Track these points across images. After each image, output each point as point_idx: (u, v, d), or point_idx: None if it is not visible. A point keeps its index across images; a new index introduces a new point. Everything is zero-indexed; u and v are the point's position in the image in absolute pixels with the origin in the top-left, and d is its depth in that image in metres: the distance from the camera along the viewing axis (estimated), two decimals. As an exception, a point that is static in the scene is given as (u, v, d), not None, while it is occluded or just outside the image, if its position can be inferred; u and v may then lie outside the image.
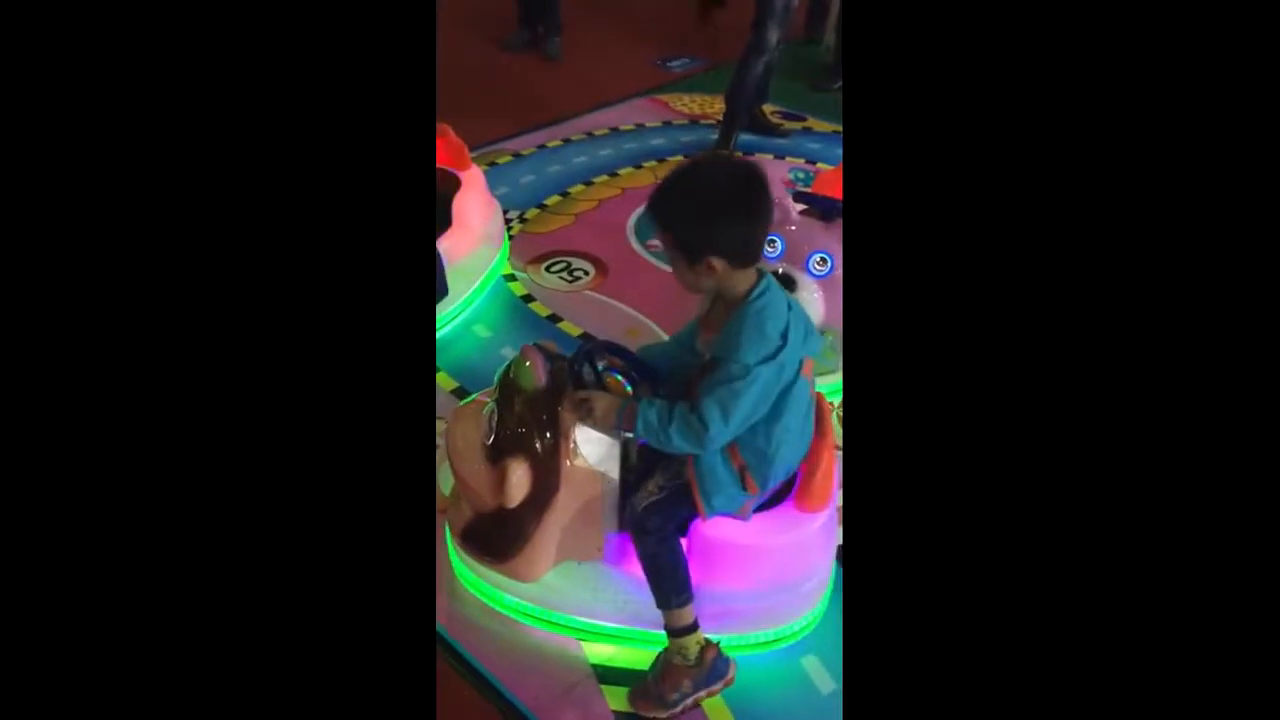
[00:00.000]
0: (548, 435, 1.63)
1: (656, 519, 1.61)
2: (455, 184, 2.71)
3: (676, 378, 1.67)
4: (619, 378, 1.72)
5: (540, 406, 1.63)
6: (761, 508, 1.69)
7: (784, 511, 1.70)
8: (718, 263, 1.47)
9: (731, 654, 1.67)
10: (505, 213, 3.05)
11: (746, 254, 1.49)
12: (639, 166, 3.59)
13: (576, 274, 2.88)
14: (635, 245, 3.06)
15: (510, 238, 3.00)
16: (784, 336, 1.49)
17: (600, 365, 1.71)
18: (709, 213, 1.47)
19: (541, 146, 3.70)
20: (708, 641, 1.65)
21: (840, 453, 1.93)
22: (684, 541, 1.65)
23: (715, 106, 3.98)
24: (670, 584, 1.62)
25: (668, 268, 2.96)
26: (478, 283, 2.70)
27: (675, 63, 4.59)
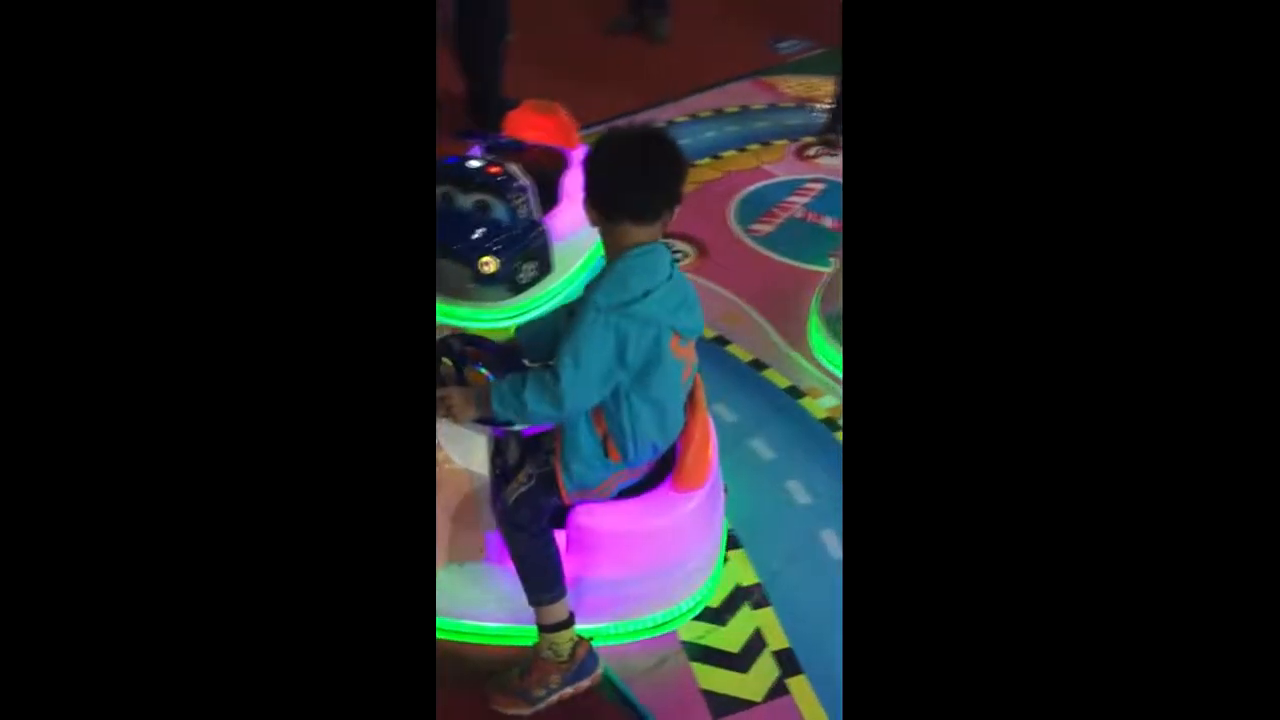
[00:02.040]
0: None
1: (526, 511, 1.58)
2: (563, 163, 2.75)
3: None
4: (482, 370, 1.67)
5: None
6: (636, 491, 1.65)
7: (659, 494, 1.65)
8: (590, 213, 1.52)
9: (619, 640, 1.65)
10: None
11: (621, 210, 1.49)
12: (742, 149, 3.53)
13: (676, 255, 2.85)
14: (736, 229, 3.04)
15: (613, 217, 3.03)
16: (646, 294, 1.46)
17: (462, 358, 1.67)
18: (595, 169, 1.52)
19: (646, 127, 3.72)
20: (579, 638, 1.63)
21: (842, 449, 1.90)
22: (560, 535, 1.62)
23: (824, 89, 3.91)
24: (541, 580, 1.59)
25: (769, 252, 2.99)
26: (580, 260, 2.74)
27: (786, 44, 4.53)
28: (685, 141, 3.63)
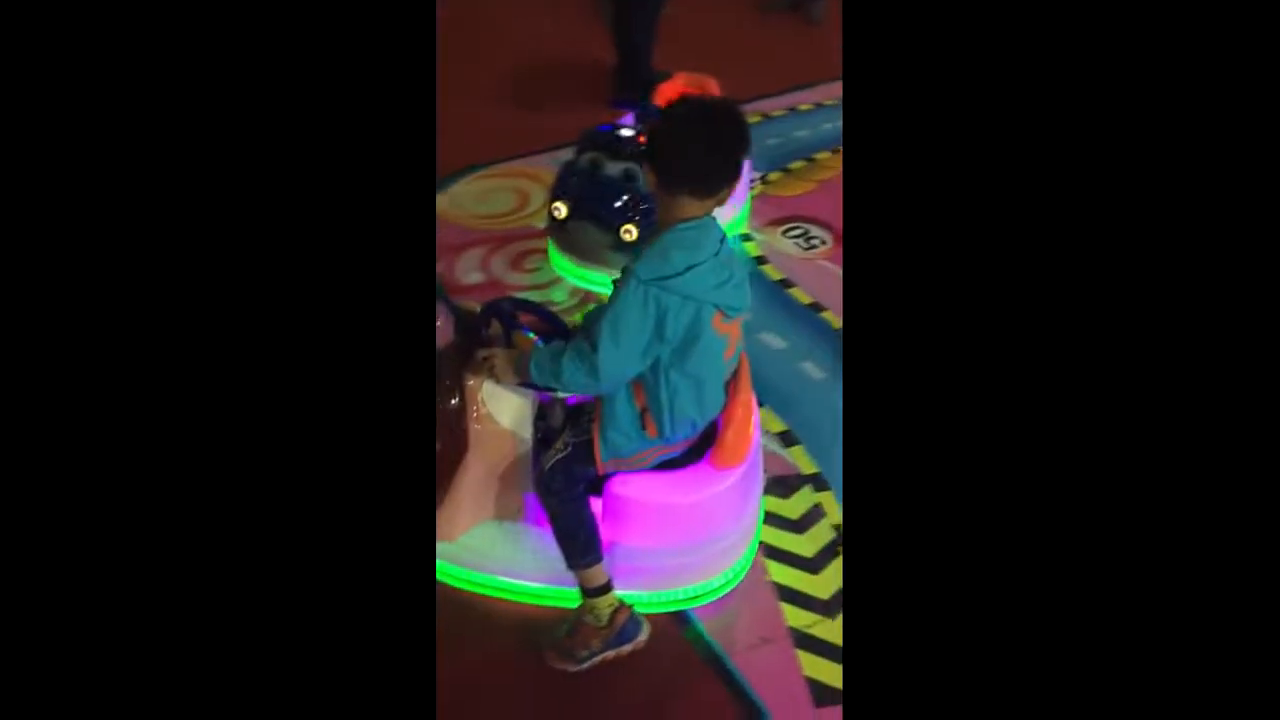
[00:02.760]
0: (451, 396, 1.63)
1: (560, 478, 1.60)
2: (735, 139, 2.74)
3: None
4: (531, 335, 1.69)
5: (444, 366, 1.63)
6: (676, 465, 1.65)
7: (697, 470, 1.66)
8: (650, 177, 1.49)
9: (649, 610, 1.65)
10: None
11: (680, 180, 1.47)
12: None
13: (813, 241, 2.86)
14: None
15: (751, 198, 3.03)
16: (688, 269, 1.45)
17: (512, 322, 1.68)
18: (663, 135, 1.50)
19: (792, 109, 3.67)
20: (620, 604, 1.63)
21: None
22: (597, 502, 1.64)
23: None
24: (576, 545, 1.61)
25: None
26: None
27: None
28: (829, 126, 3.58)
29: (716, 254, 1.51)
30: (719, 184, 1.49)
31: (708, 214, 1.52)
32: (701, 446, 1.69)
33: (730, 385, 1.68)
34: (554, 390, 1.61)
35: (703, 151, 1.47)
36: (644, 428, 1.59)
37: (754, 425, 1.74)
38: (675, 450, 1.65)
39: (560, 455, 1.62)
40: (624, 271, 1.51)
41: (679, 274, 1.46)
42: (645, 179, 1.53)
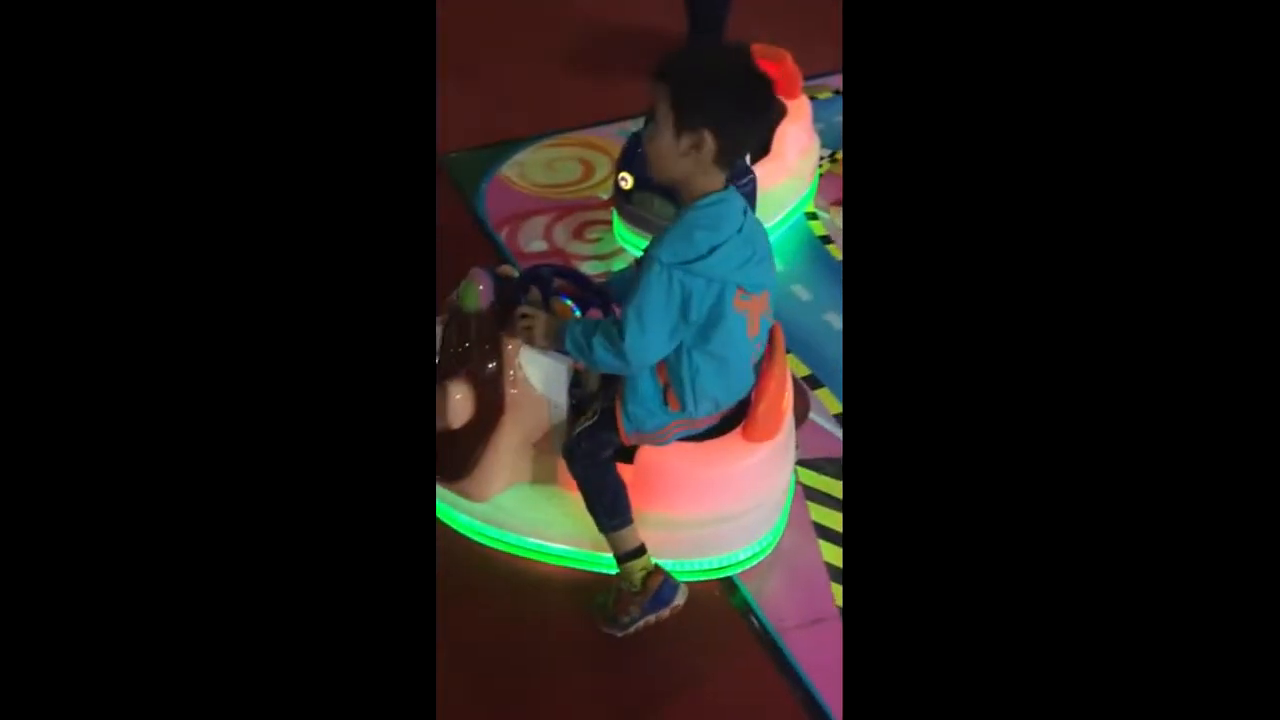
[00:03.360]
0: (490, 359, 1.63)
1: (587, 444, 1.62)
2: (781, 111, 2.69)
3: None
4: (568, 302, 1.70)
5: (484, 330, 1.64)
6: (707, 436, 1.65)
7: (728, 442, 1.66)
8: (710, 137, 1.40)
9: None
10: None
11: (733, 144, 1.43)
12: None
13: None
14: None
15: (819, 175, 2.96)
16: (712, 251, 1.42)
17: (550, 289, 1.69)
18: (718, 79, 1.41)
19: (868, 86, 3.59)
20: (654, 568, 1.63)
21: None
22: (629, 470, 1.65)
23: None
24: (601, 507, 1.62)
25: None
26: (781, 215, 2.70)
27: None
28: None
29: (740, 230, 1.48)
30: (749, 147, 1.47)
31: (725, 185, 1.49)
32: (735, 417, 1.68)
33: (765, 357, 1.67)
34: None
35: (734, 112, 1.42)
36: (666, 403, 1.59)
37: (787, 401, 1.74)
38: (698, 427, 1.65)
39: (588, 423, 1.64)
40: (646, 253, 1.50)
41: (703, 257, 1.44)
42: (655, 144, 1.45)
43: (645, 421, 1.61)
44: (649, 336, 1.47)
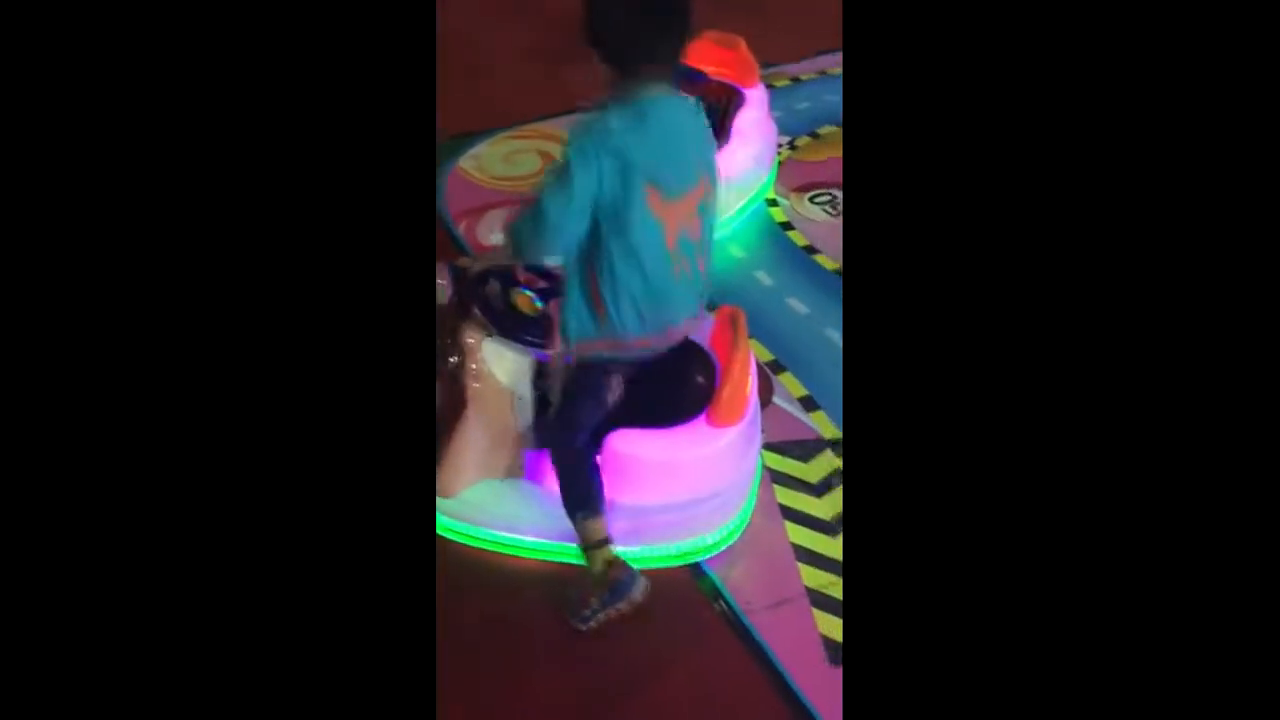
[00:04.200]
0: (451, 353, 1.64)
1: (557, 427, 1.63)
2: (738, 100, 2.70)
3: None
4: (528, 293, 1.70)
5: (444, 323, 1.64)
6: (674, 423, 1.67)
7: (693, 427, 1.68)
8: (607, 40, 1.50)
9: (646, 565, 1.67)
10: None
11: (631, 45, 1.49)
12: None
13: (841, 207, 2.83)
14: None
15: (779, 163, 2.98)
16: (622, 131, 1.47)
17: (506, 282, 1.70)
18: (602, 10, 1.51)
19: (823, 73, 3.59)
20: (617, 559, 1.63)
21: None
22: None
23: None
24: (573, 495, 1.63)
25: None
26: (742, 203, 2.71)
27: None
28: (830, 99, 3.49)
29: (664, 132, 1.52)
30: (661, 52, 1.51)
31: (663, 93, 1.53)
32: (697, 403, 1.69)
33: (725, 342, 1.67)
34: (544, 346, 1.64)
35: (637, 22, 1.50)
36: (594, 313, 1.60)
37: (751, 385, 1.75)
38: (628, 350, 1.63)
39: (557, 407, 1.65)
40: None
41: (611, 132, 1.48)
42: (598, 69, 1.54)
43: (575, 331, 1.62)
44: (561, 196, 1.49)
